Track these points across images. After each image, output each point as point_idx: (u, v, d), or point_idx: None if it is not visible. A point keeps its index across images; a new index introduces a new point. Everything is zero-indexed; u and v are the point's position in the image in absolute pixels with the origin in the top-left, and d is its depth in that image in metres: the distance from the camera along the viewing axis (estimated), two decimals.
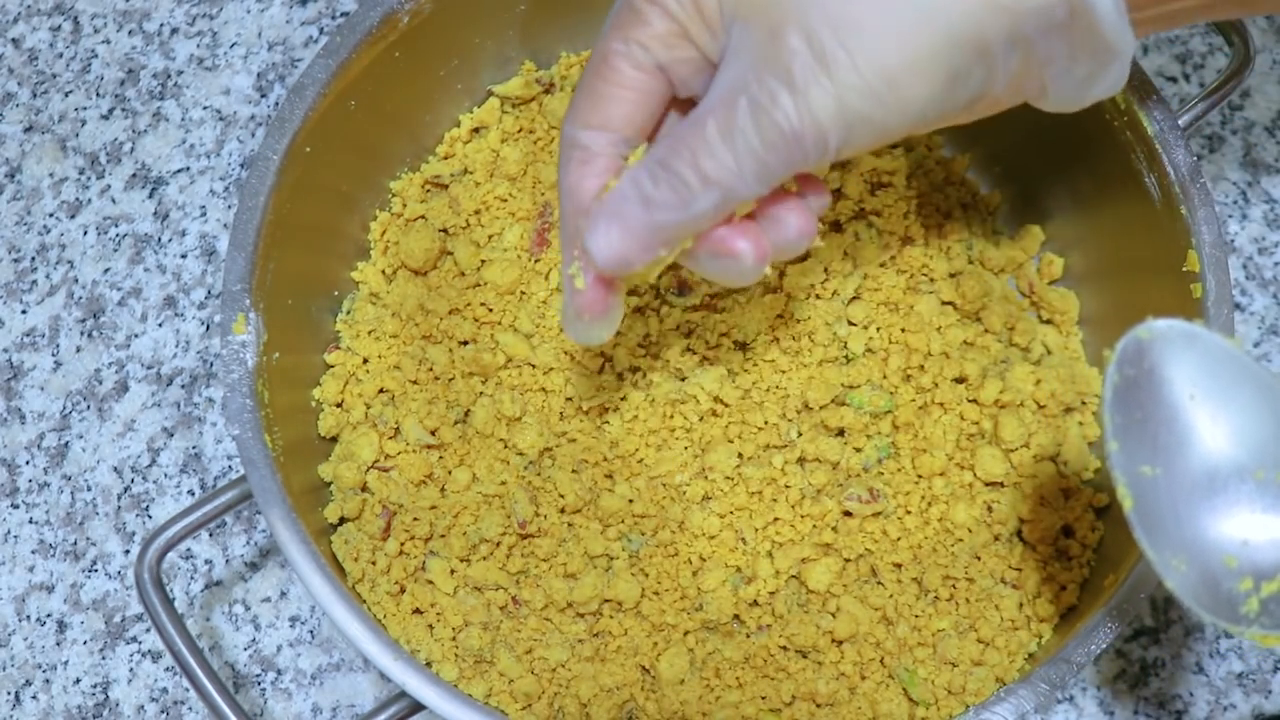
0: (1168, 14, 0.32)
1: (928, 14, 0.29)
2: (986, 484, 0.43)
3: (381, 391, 0.45)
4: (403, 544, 0.43)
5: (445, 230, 0.47)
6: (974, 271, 0.46)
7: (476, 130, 0.49)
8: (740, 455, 0.43)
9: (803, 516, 0.43)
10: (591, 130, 0.33)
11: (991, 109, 0.32)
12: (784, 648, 0.42)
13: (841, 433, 0.44)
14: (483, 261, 0.46)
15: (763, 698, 0.42)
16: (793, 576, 0.43)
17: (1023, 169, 0.48)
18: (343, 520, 0.44)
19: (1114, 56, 0.31)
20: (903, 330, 0.45)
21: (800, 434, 0.43)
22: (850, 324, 0.45)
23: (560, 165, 0.33)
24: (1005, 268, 0.47)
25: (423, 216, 0.48)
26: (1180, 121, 0.43)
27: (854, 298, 0.45)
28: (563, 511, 0.43)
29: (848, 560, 0.43)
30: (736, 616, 0.42)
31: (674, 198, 0.30)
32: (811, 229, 0.33)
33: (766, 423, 0.43)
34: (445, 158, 0.49)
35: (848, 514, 0.43)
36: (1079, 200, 0.47)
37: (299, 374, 0.45)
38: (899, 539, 0.43)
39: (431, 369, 0.45)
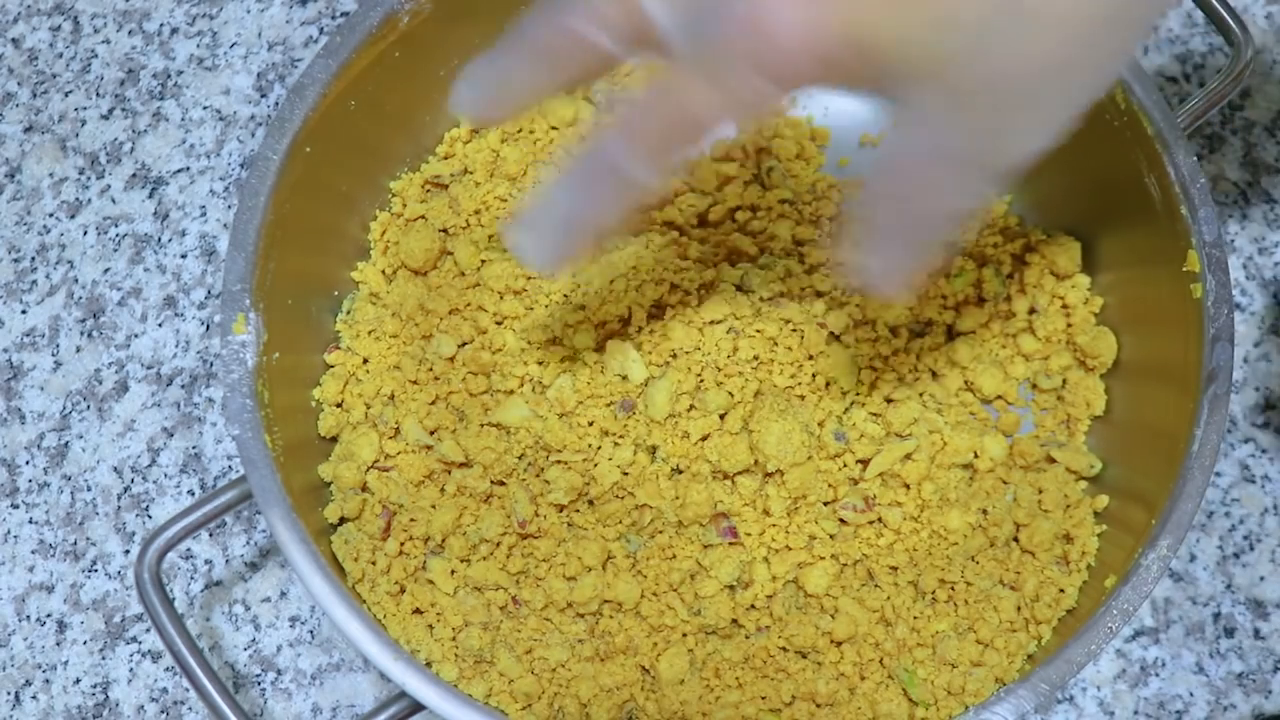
0: None
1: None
2: (984, 471, 0.44)
3: (381, 391, 0.45)
4: (402, 544, 0.43)
5: (445, 230, 0.47)
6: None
7: (476, 130, 0.49)
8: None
9: (799, 525, 0.43)
10: (651, 169, 0.30)
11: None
12: (783, 648, 0.42)
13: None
14: (483, 261, 0.46)
15: (763, 698, 0.42)
16: (790, 581, 0.43)
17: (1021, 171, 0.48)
18: (343, 520, 0.44)
19: None
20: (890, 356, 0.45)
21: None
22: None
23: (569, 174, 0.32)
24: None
25: (423, 216, 0.48)
26: (1180, 121, 0.43)
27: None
28: (562, 510, 0.43)
29: (844, 565, 0.43)
30: (735, 620, 0.42)
31: (924, 237, 0.31)
32: None
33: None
34: (445, 158, 0.49)
35: (843, 521, 0.43)
36: (1079, 200, 0.47)
37: (299, 374, 0.45)
38: (894, 544, 0.43)
39: (431, 369, 0.45)
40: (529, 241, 0.32)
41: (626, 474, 0.43)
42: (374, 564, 0.43)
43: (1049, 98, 0.28)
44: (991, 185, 0.30)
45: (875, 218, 0.31)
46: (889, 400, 0.44)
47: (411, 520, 0.43)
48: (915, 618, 0.42)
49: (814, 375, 0.44)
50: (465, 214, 0.47)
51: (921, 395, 0.45)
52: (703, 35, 0.27)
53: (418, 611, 0.42)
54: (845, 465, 0.43)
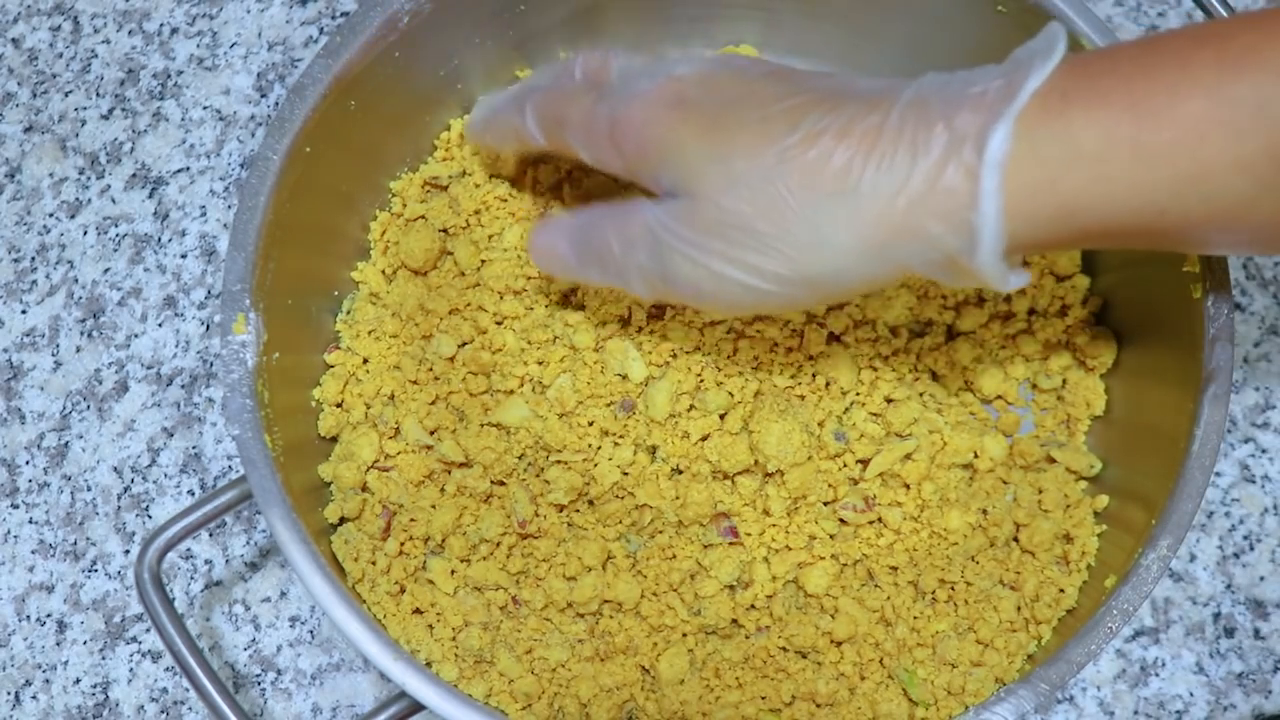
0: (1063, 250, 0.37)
1: (823, 251, 0.33)
2: (984, 470, 0.44)
3: (381, 391, 0.45)
4: (403, 544, 0.43)
5: (445, 230, 0.47)
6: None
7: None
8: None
9: (799, 525, 0.43)
10: (538, 131, 0.40)
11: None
12: (783, 648, 0.42)
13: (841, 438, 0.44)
14: (483, 261, 0.46)
15: (762, 698, 0.42)
16: (790, 581, 0.43)
17: None
18: (343, 520, 0.44)
19: (998, 287, 0.33)
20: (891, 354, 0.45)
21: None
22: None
23: (517, 92, 0.42)
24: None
25: (423, 216, 0.48)
26: None
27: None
28: (562, 510, 0.43)
29: (844, 565, 0.43)
30: (735, 620, 0.42)
31: (584, 256, 0.39)
32: None
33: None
34: (444, 159, 0.49)
35: (843, 521, 0.43)
36: None
37: (299, 374, 0.45)
38: (894, 544, 0.43)
39: (431, 369, 0.45)
40: (476, 112, 0.44)
41: (626, 474, 0.43)
42: (374, 564, 0.43)
43: (747, 274, 0.34)
44: (645, 276, 0.36)
45: (577, 220, 0.39)
46: (889, 400, 0.44)
47: (411, 520, 0.43)
48: (915, 618, 0.42)
49: (814, 375, 0.44)
50: (465, 214, 0.47)
51: (921, 395, 0.45)
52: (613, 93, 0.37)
53: (418, 611, 0.42)
54: (845, 465, 0.43)
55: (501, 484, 0.44)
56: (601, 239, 0.38)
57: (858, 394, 0.44)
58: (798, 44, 0.50)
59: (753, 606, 0.42)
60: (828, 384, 0.44)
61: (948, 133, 0.30)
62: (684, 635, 0.42)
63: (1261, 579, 0.48)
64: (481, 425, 0.44)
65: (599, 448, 0.43)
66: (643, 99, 0.35)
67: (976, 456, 0.44)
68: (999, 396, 0.46)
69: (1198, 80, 0.29)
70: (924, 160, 0.30)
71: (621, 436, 0.43)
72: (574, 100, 0.38)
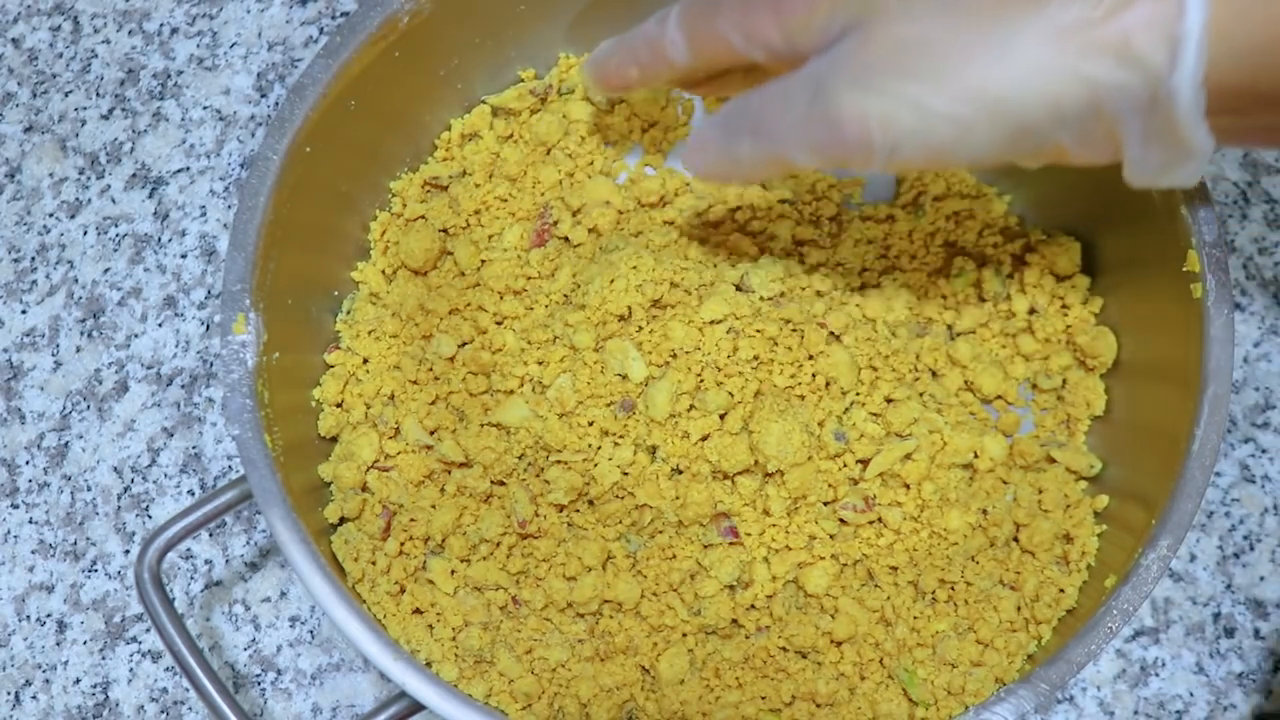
0: (1254, 128, 0.32)
1: (1009, 67, 0.29)
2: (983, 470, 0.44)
3: (381, 391, 0.45)
4: (402, 544, 0.43)
5: (445, 230, 0.47)
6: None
7: (469, 136, 0.49)
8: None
9: (799, 525, 0.43)
10: (679, 35, 0.38)
11: (1059, 161, 0.33)
12: (783, 649, 0.42)
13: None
14: (483, 261, 0.46)
15: (763, 698, 0.42)
16: (790, 581, 0.43)
17: (1021, 171, 0.48)
18: (343, 520, 0.44)
19: (1188, 154, 0.30)
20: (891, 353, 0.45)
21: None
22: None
23: (654, 19, 0.40)
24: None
25: (423, 216, 0.48)
26: None
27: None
28: (562, 510, 0.43)
29: (844, 565, 0.43)
30: (735, 620, 0.42)
31: (738, 152, 0.36)
32: None
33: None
34: (444, 160, 0.49)
35: (843, 521, 0.43)
36: (1079, 200, 0.47)
37: (299, 374, 0.45)
38: (894, 544, 0.43)
39: (431, 369, 0.45)
40: (695, 160, 0.39)
41: (627, 474, 0.43)
42: (374, 564, 0.43)
43: (928, 94, 0.31)
44: (807, 125, 0.33)
45: (726, 107, 0.37)
46: (889, 400, 0.44)
47: (411, 520, 0.43)
48: (915, 618, 0.42)
49: (814, 375, 0.44)
50: (465, 214, 0.47)
51: (921, 395, 0.45)
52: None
53: (418, 611, 0.42)
54: (845, 465, 0.43)
55: (501, 484, 0.44)
56: (756, 105, 0.35)
57: (858, 394, 0.44)
58: None
59: (753, 607, 0.42)
60: (828, 384, 0.44)
61: None
62: (684, 635, 0.42)
63: (1261, 579, 0.48)
64: (481, 425, 0.44)
65: (599, 448, 0.43)
66: None
67: (976, 456, 0.44)
68: (999, 396, 0.46)
69: None
70: None
71: (621, 436, 0.43)
72: None
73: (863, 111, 0.31)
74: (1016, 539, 0.44)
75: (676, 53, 0.38)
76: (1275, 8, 0.28)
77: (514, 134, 0.49)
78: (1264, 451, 0.49)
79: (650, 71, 0.40)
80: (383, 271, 0.48)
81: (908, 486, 0.43)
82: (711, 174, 0.39)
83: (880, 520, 0.43)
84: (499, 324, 0.45)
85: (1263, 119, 0.31)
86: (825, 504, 0.43)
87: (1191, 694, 0.47)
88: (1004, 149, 0.31)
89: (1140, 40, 0.29)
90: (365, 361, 0.46)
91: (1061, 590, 0.42)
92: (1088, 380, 0.46)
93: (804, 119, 0.33)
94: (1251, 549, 0.48)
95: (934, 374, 0.46)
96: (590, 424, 0.43)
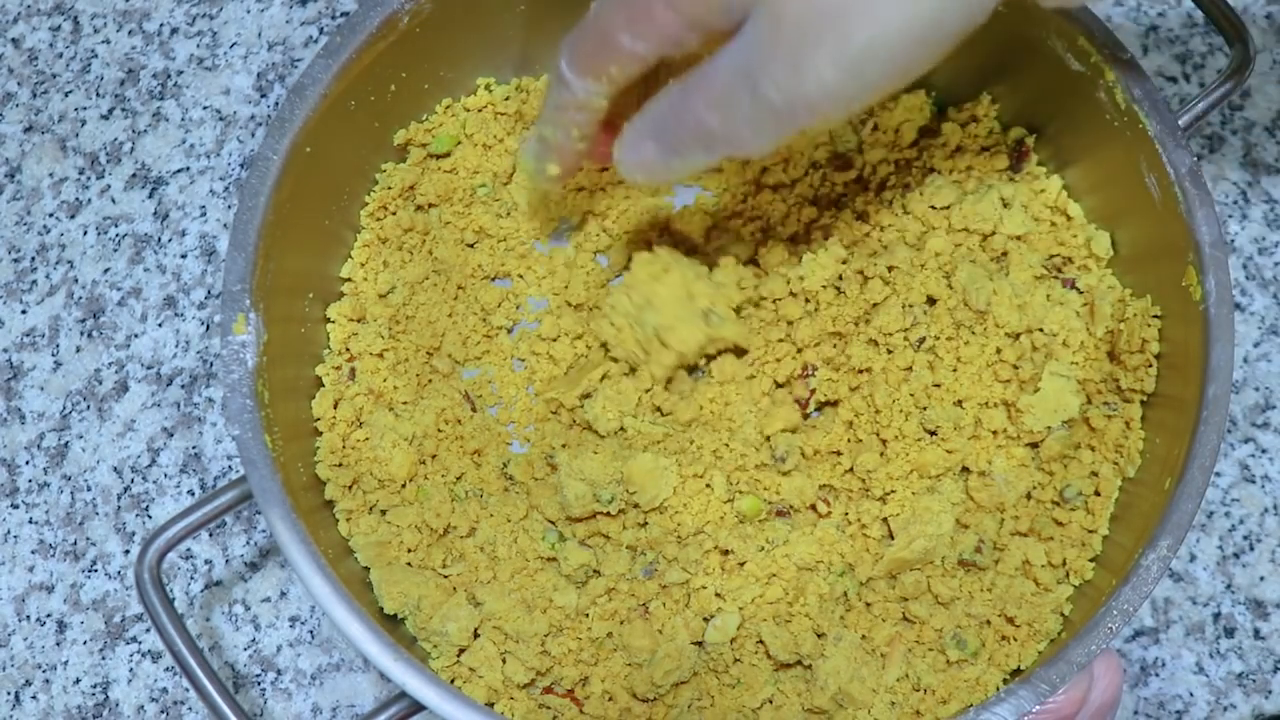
0: None
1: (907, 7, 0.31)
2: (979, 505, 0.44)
3: (380, 393, 0.45)
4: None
5: (441, 229, 0.47)
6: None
7: (438, 155, 0.49)
8: (729, 483, 0.43)
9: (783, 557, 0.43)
10: (583, 80, 0.37)
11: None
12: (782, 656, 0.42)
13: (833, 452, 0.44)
14: (480, 261, 0.46)
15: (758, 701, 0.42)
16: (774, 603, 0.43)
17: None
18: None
19: None
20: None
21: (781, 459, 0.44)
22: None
23: (548, 87, 0.39)
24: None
25: (421, 215, 0.48)
26: (1180, 121, 0.43)
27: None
28: (570, 522, 0.43)
29: (838, 574, 0.43)
30: (733, 640, 0.42)
31: (690, 163, 0.36)
32: None
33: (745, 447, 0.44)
34: (433, 154, 0.49)
35: (825, 517, 0.43)
36: (1078, 200, 0.46)
37: (299, 375, 0.45)
38: (880, 556, 0.42)
39: (430, 369, 0.45)
40: (630, 160, 0.38)
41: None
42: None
43: (850, 48, 0.31)
44: (757, 121, 0.33)
45: (653, 113, 0.36)
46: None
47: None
48: (916, 619, 0.42)
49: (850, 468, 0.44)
50: (458, 204, 0.47)
51: (924, 410, 0.45)
52: None
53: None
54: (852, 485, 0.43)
55: (502, 490, 0.44)
56: (692, 115, 0.35)
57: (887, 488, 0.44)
58: None
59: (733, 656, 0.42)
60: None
61: None
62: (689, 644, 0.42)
63: (1261, 579, 0.48)
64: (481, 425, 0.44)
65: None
66: None
67: (976, 461, 0.44)
68: (1000, 401, 0.46)
69: None
70: None
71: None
72: (603, 5, 0.36)
73: (803, 93, 0.32)
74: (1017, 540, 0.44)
75: (585, 89, 0.38)
76: None
77: (514, 133, 0.49)
78: (1264, 451, 0.49)
79: (588, 128, 0.39)
80: (381, 273, 0.47)
81: (907, 489, 0.43)
82: (654, 182, 0.39)
83: (881, 520, 0.43)
84: (499, 325, 0.45)
85: None
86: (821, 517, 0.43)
87: (1191, 694, 0.47)
88: (931, 60, 0.32)
89: None
90: (365, 362, 0.46)
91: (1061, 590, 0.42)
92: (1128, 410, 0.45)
93: (751, 119, 0.33)
94: (1251, 549, 0.48)
95: (936, 384, 0.45)
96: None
